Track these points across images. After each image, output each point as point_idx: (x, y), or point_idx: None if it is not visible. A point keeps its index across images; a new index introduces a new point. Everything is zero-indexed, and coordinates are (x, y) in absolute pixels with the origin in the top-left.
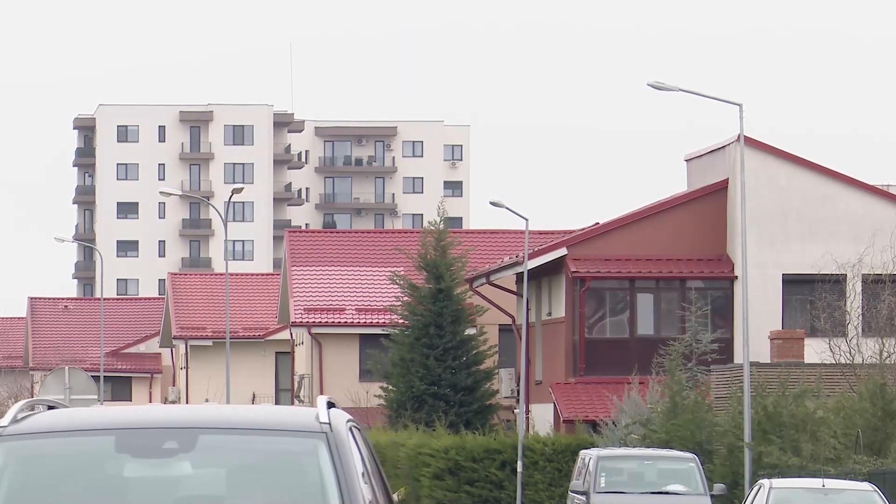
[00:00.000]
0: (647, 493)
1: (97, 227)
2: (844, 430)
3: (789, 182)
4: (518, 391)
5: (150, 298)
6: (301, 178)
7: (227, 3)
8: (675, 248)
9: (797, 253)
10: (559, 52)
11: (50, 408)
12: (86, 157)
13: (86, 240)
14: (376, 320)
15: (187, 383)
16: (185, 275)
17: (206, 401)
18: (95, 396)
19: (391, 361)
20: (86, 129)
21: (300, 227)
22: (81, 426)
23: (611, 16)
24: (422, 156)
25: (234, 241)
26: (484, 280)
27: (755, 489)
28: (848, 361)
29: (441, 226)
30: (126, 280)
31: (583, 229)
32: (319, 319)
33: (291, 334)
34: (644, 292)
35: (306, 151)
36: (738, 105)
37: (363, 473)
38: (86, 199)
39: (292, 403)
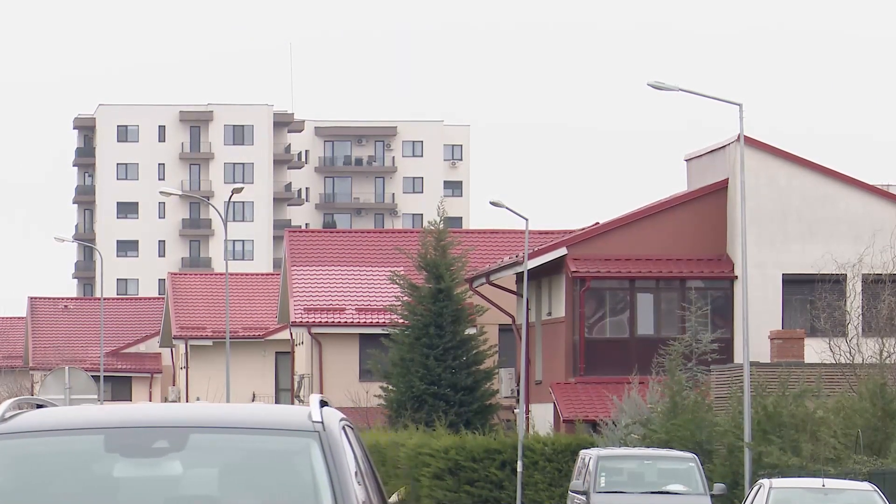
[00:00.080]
0: (646, 492)
1: (97, 227)
2: (844, 430)
3: (789, 182)
4: (518, 391)
5: (150, 298)
6: (301, 178)
7: (227, 3)
8: (675, 248)
9: (797, 253)
10: (559, 52)
11: (38, 406)
12: (86, 157)
13: (86, 240)
14: (376, 320)
15: (187, 383)
16: (185, 275)
17: (198, 399)
18: (95, 396)
19: (391, 361)
20: (86, 129)
21: (300, 227)
22: (70, 425)
23: (611, 16)
24: (422, 156)
25: (234, 241)
26: (484, 280)
27: (755, 489)
28: (848, 361)
29: (441, 226)
30: (126, 280)
31: (583, 229)
32: (319, 319)
33: (291, 334)
34: (644, 292)
35: (306, 151)
36: (738, 105)
37: (356, 473)
38: (86, 199)
39: (292, 403)
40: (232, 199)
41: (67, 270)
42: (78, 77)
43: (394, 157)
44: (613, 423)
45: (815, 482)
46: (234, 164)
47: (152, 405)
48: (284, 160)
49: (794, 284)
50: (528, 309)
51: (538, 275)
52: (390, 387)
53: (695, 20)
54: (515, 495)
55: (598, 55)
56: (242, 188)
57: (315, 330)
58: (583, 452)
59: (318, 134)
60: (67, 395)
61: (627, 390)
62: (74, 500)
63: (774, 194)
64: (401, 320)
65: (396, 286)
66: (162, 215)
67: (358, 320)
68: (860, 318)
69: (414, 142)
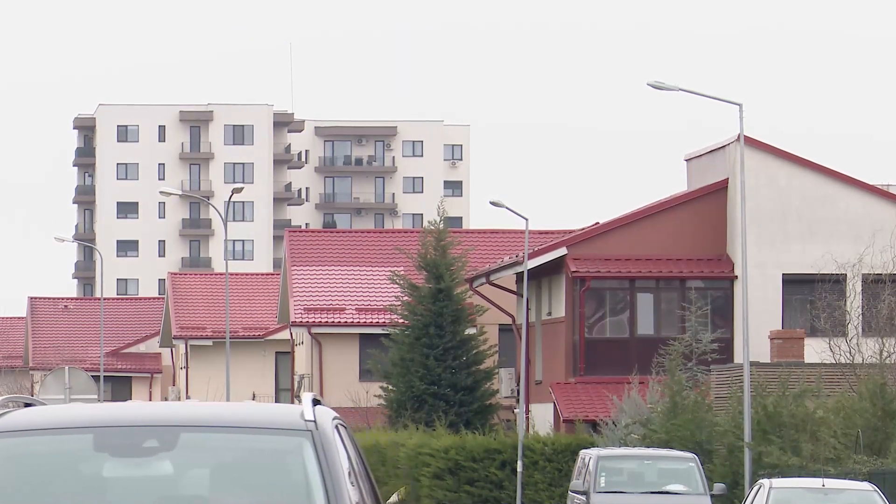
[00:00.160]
0: (647, 492)
1: (97, 227)
2: (844, 430)
3: (789, 182)
4: (518, 391)
5: (150, 298)
6: (301, 178)
7: (227, 3)
8: (675, 248)
9: (797, 253)
10: (559, 52)
11: (27, 405)
12: (86, 157)
13: (86, 240)
14: (376, 320)
15: (187, 383)
16: (185, 275)
17: (188, 397)
18: (96, 396)
19: (391, 361)
20: (86, 129)
21: (300, 226)
22: (58, 424)
23: (611, 16)
24: (422, 156)
25: (234, 241)
26: (484, 280)
27: (755, 489)
28: (848, 361)
29: (441, 226)
30: (126, 280)
31: (583, 229)
32: (319, 319)
33: (291, 334)
34: (644, 292)
35: (306, 151)
36: (738, 105)
37: (349, 473)
38: (86, 199)
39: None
40: (232, 199)
41: (67, 270)
42: (78, 77)
43: (394, 157)
44: (613, 423)
45: (815, 482)
46: (234, 164)
47: (142, 403)
48: (284, 160)
49: (794, 284)
50: (528, 309)
51: (538, 275)
52: (390, 387)
53: (695, 20)
54: (515, 495)
55: (598, 55)
56: (242, 188)
57: (315, 330)
58: (583, 452)
59: (318, 134)
60: (67, 395)
61: (627, 390)
62: (62, 500)
63: (774, 194)
64: (401, 320)
65: (396, 286)
66: (162, 215)
67: (358, 320)
68: (860, 318)
69: (414, 142)
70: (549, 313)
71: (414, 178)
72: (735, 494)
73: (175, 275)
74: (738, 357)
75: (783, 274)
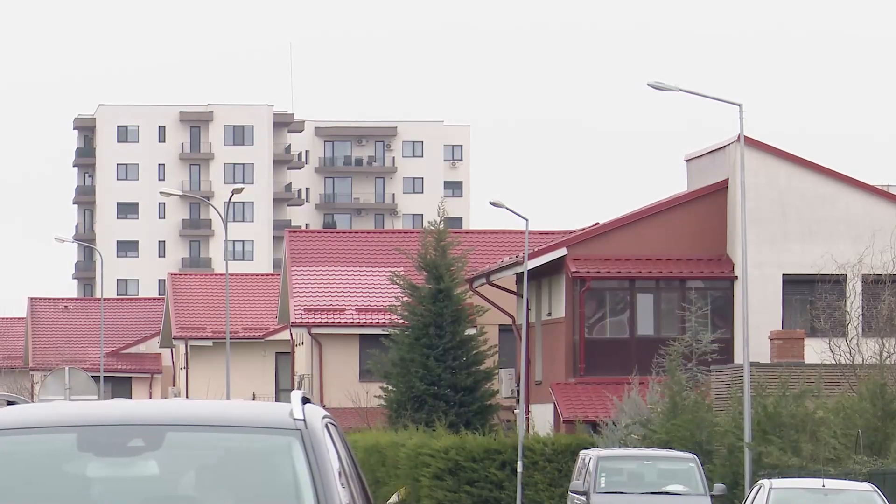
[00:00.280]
0: (646, 493)
1: (97, 227)
2: (844, 430)
3: (789, 182)
4: (518, 391)
5: (150, 298)
6: (301, 178)
7: (227, 3)
8: (675, 248)
9: (797, 253)
10: (559, 52)
11: (9, 403)
12: (86, 157)
13: (86, 240)
14: (376, 320)
15: (187, 383)
16: (185, 275)
17: (176, 395)
18: (96, 396)
19: (391, 361)
20: (86, 129)
21: (300, 227)
22: (42, 423)
23: (611, 16)
24: (422, 156)
25: (234, 241)
26: (484, 280)
27: (755, 489)
28: (848, 361)
29: (441, 226)
30: (126, 280)
31: (583, 229)
32: (319, 319)
33: (291, 334)
34: (644, 292)
35: (306, 151)
36: (738, 105)
37: (339, 472)
38: (86, 199)
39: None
40: (232, 200)
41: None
42: (78, 77)
43: (394, 157)
44: (613, 423)
45: (815, 482)
46: (234, 164)
47: (128, 402)
48: (284, 160)
49: (794, 284)
50: (528, 309)
51: (538, 275)
52: (390, 387)
53: (695, 20)
54: (515, 495)
55: (598, 55)
56: (242, 188)
57: (315, 330)
58: (583, 453)
59: (318, 134)
60: (67, 395)
61: (627, 390)
62: (46, 501)
63: (774, 194)
64: (401, 320)
65: (396, 286)
66: (162, 215)
67: (358, 320)
68: (860, 318)
69: (414, 142)
70: (549, 314)
71: (414, 178)
72: (735, 494)
73: (175, 275)
74: (738, 357)
75: (783, 274)
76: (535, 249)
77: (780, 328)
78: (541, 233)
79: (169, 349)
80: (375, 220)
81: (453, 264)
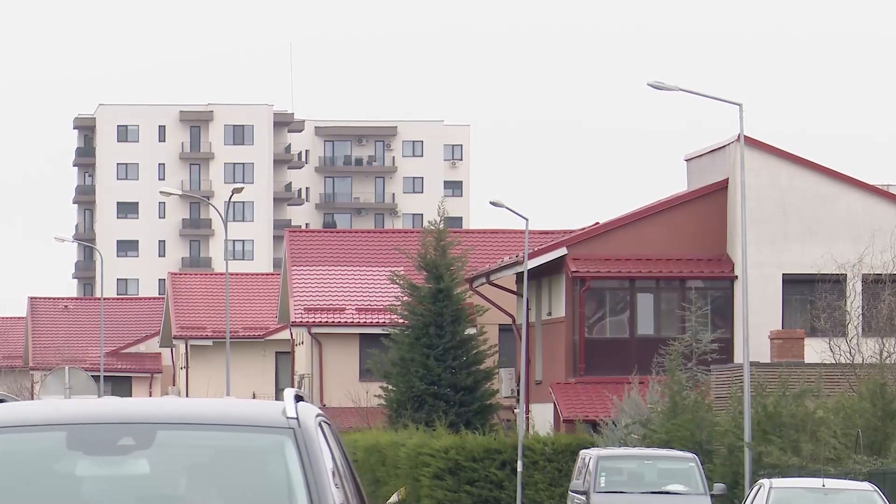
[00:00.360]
0: (646, 492)
1: (97, 227)
2: (844, 430)
3: (789, 182)
4: (518, 391)
5: (150, 298)
6: (301, 178)
7: (227, 3)
8: (675, 248)
9: (797, 253)
10: (559, 52)
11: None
12: (86, 157)
13: (86, 240)
14: (376, 320)
15: (187, 383)
16: (185, 275)
17: (167, 393)
18: (96, 396)
19: (391, 361)
20: (86, 129)
21: (300, 226)
22: (30, 421)
23: (611, 15)
24: (422, 155)
25: (234, 240)
26: (484, 280)
27: (755, 489)
28: (848, 361)
29: (441, 226)
30: (126, 280)
31: (583, 229)
32: (319, 319)
33: (291, 334)
34: (644, 292)
35: (306, 151)
36: (738, 105)
37: (333, 472)
38: (86, 198)
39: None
40: (232, 199)
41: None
42: (78, 77)
43: (394, 157)
44: (613, 423)
45: (815, 482)
46: (234, 164)
47: (118, 399)
48: (284, 160)
49: (794, 284)
50: (528, 309)
51: (538, 275)
52: (390, 387)
53: (695, 20)
54: (515, 495)
55: (598, 55)
56: (242, 188)
57: (315, 330)
58: (583, 452)
59: (318, 134)
60: (67, 394)
61: (627, 390)
62: (34, 501)
63: (775, 194)
64: (401, 320)
65: (396, 286)
66: (162, 215)
67: (358, 320)
68: (860, 318)
69: (414, 142)
70: (549, 313)
71: (414, 178)
72: (735, 494)
73: (175, 275)
74: (738, 357)
75: (783, 274)
76: (535, 249)
77: (780, 328)
78: (541, 232)
79: (169, 349)
80: (375, 219)
81: (453, 264)
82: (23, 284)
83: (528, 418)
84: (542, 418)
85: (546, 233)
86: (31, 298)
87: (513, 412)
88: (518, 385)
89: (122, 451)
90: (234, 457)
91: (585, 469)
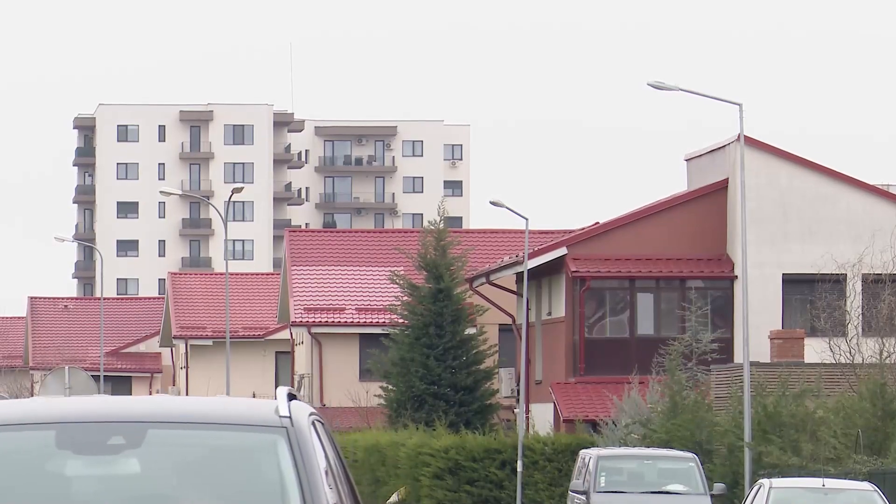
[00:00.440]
0: (646, 492)
1: (97, 226)
2: (844, 430)
3: (789, 182)
4: (518, 391)
5: (150, 298)
6: (301, 178)
7: (227, 3)
8: (675, 248)
9: (797, 253)
10: (559, 52)
11: None
12: (86, 157)
13: (86, 239)
14: (376, 320)
15: (187, 383)
16: (185, 274)
17: (157, 392)
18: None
19: (391, 361)
20: (86, 128)
21: (300, 226)
22: (18, 420)
23: (611, 15)
24: (422, 155)
25: (234, 240)
26: (484, 280)
27: (755, 489)
28: (848, 361)
29: (441, 225)
30: (126, 280)
31: (583, 229)
32: (319, 319)
33: (291, 334)
34: (644, 292)
35: (306, 151)
36: (738, 105)
37: (326, 471)
38: (86, 198)
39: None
40: (232, 199)
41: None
42: (78, 77)
43: (394, 157)
44: (613, 422)
45: (815, 482)
46: (234, 163)
47: (108, 398)
48: (284, 160)
49: (794, 284)
50: (528, 309)
51: (538, 275)
52: (390, 387)
53: (695, 20)
54: (515, 495)
55: (598, 55)
56: (242, 188)
57: (315, 330)
58: (583, 452)
59: (318, 134)
60: (67, 394)
61: (627, 390)
62: (22, 501)
63: (774, 194)
64: (401, 320)
65: (396, 286)
66: (162, 215)
67: (358, 320)
68: (860, 318)
69: (414, 141)
70: (549, 313)
71: (414, 177)
72: (735, 494)
73: (175, 275)
74: (738, 357)
75: (783, 274)
76: (535, 249)
77: (780, 328)
78: (541, 232)
79: (169, 348)
80: (375, 219)
81: (453, 264)
82: (23, 284)
83: (528, 418)
84: (542, 418)
85: (546, 233)
86: (31, 298)
87: (513, 412)
88: (518, 385)
89: (113, 451)
90: (226, 456)
91: (585, 469)
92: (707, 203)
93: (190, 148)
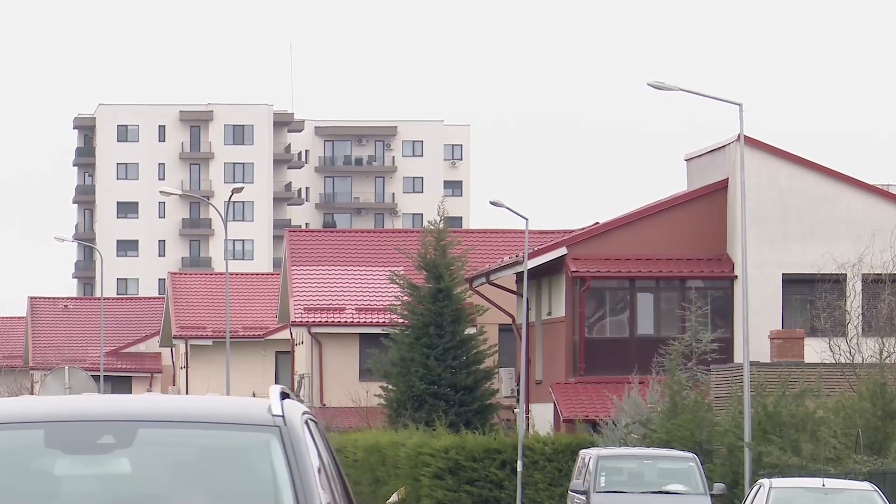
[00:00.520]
0: (646, 492)
1: (97, 226)
2: (844, 430)
3: (790, 182)
4: (518, 391)
5: (150, 298)
6: (301, 178)
7: (227, 3)
8: (675, 247)
9: (797, 253)
10: (559, 52)
11: None
12: (86, 157)
13: (86, 239)
14: (376, 320)
15: (187, 383)
16: (185, 274)
17: (149, 391)
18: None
19: (391, 361)
20: (86, 128)
21: (300, 226)
22: (7, 418)
23: (611, 15)
24: (422, 155)
25: (234, 240)
26: (484, 280)
27: (755, 489)
28: (848, 361)
29: (441, 225)
30: (126, 280)
31: (583, 229)
32: (319, 319)
33: (291, 334)
34: (644, 292)
35: (306, 151)
36: (738, 105)
37: (319, 470)
38: (86, 198)
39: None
40: (232, 199)
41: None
42: (78, 77)
43: (394, 157)
44: (613, 422)
45: (815, 482)
46: (234, 163)
47: (99, 396)
48: (284, 160)
49: (794, 284)
50: (528, 309)
51: (538, 275)
52: (390, 386)
53: (695, 20)
54: (515, 495)
55: (598, 55)
56: (242, 188)
57: (315, 330)
58: (583, 452)
59: (318, 134)
60: (67, 394)
61: (627, 390)
62: (10, 501)
63: (775, 194)
64: (401, 320)
65: (396, 286)
66: (162, 215)
67: (358, 320)
68: (860, 317)
69: (414, 142)
70: (549, 313)
71: (414, 177)
72: (735, 494)
73: (175, 274)
74: (738, 357)
75: (783, 274)
76: (535, 249)
77: (780, 328)
78: (541, 232)
79: (169, 348)
80: (375, 219)
81: (453, 264)
82: (23, 284)
83: (528, 418)
84: (542, 418)
85: (546, 233)
86: (31, 298)
87: (513, 412)
88: (518, 385)
89: (102, 450)
90: (217, 455)
91: (585, 469)
92: (707, 203)
93: (190, 148)
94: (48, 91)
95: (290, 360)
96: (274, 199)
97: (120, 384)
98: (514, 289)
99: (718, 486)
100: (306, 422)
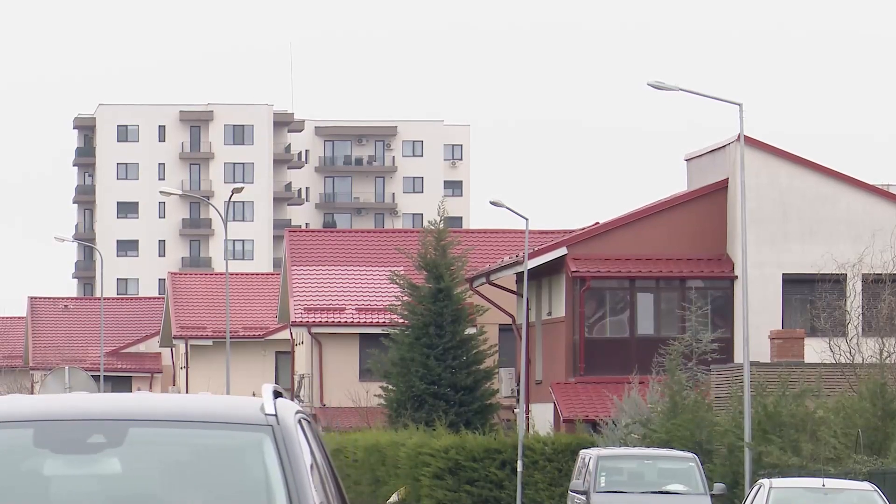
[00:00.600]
0: (646, 492)
1: (97, 226)
2: (844, 430)
3: (790, 182)
4: (518, 391)
5: (150, 298)
6: (301, 178)
7: (227, 3)
8: (675, 247)
9: (797, 253)
10: (559, 52)
11: None
12: (86, 157)
13: (86, 239)
14: (376, 320)
15: (187, 383)
16: (185, 274)
17: (139, 389)
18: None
19: (391, 361)
20: (86, 128)
21: (300, 226)
22: None
23: (611, 15)
24: (422, 155)
25: (234, 240)
26: (484, 280)
27: (755, 489)
28: (848, 361)
29: (441, 225)
30: (126, 280)
31: (583, 229)
32: (319, 319)
33: (291, 334)
34: (644, 292)
35: (306, 151)
36: (739, 105)
37: (312, 468)
38: (86, 198)
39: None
40: (232, 199)
41: (67, 270)
42: (78, 77)
43: (394, 157)
44: (613, 422)
45: (815, 482)
46: (234, 163)
47: (89, 395)
48: (284, 160)
49: (794, 284)
50: (528, 309)
51: (538, 275)
52: (390, 387)
53: (695, 20)
54: (515, 495)
55: (598, 55)
56: (242, 188)
57: (315, 330)
58: (583, 452)
59: (318, 134)
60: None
61: (627, 390)
62: None
63: (775, 194)
64: (401, 320)
65: (396, 286)
66: (162, 215)
67: (358, 320)
68: (860, 317)
69: (414, 141)
70: (549, 313)
71: (414, 177)
72: (735, 494)
73: (175, 274)
74: (738, 357)
75: (783, 274)
76: (535, 249)
77: (780, 328)
78: (541, 232)
79: (169, 348)
80: (375, 219)
81: (453, 264)
82: (23, 284)
83: (528, 418)
84: (542, 418)
85: (546, 233)
86: (31, 298)
87: (513, 412)
88: (518, 385)
89: (93, 450)
90: (210, 455)
91: (585, 469)
92: (707, 203)
93: (190, 148)
94: (48, 91)
95: (291, 361)
96: (274, 199)
97: (120, 384)
98: (515, 289)
99: (718, 486)
100: (299, 421)
